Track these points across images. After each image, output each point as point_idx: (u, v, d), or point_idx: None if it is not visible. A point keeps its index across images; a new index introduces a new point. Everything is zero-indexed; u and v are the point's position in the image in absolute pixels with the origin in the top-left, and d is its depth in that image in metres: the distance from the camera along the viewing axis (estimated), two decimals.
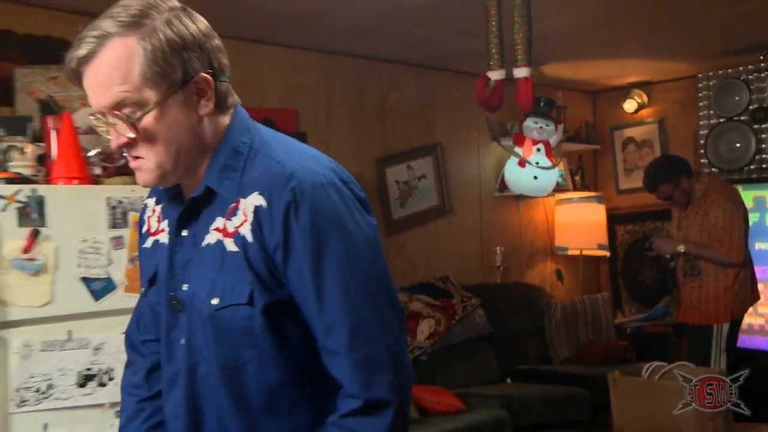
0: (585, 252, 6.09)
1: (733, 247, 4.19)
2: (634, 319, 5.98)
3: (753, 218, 4.84)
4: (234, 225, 1.31)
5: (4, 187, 2.72)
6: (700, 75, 5.65)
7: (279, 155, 1.34)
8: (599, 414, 4.57)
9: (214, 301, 1.32)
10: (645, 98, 6.15)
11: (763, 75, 5.34)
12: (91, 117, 1.31)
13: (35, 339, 2.70)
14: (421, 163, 5.33)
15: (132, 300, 1.94)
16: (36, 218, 2.73)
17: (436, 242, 5.41)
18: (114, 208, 2.90)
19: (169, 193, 1.43)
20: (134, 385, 1.58)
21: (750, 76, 5.41)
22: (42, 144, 3.03)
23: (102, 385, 2.78)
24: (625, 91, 6.20)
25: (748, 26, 4.65)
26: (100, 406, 2.78)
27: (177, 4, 1.31)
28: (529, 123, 5.15)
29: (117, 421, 1.78)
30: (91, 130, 2.80)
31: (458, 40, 4.62)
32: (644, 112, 6.22)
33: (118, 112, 1.26)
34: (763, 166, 5.38)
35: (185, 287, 1.37)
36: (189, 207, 1.37)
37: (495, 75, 3.60)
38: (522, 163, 5.08)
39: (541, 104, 5.11)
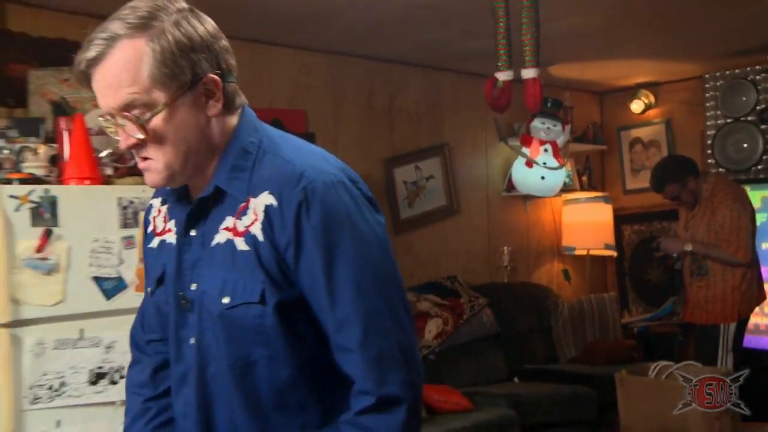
0: (592, 252, 6.07)
1: (741, 247, 4.18)
2: (641, 318, 5.97)
3: (760, 218, 4.82)
4: (244, 224, 1.31)
5: (17, 187, 2.73)
6: (707, 75, 5.63)
7: (288, 155, 1.34)
8: (606, 413, 4.56)
9: (225, 300, 1.32)
10: (652, 99, 6.14)
11: None
12: (100, 118, 1.31)
13: (48, 337, 2.71)
14: (429, 164, 5.32)
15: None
16: (48, 218, 2.74)
17: (443, 242, 5.41)
18: (125, 208, 2.91)
19: (176, 194, 1.43)
20: (140, 384, 1.58)
21: (757, 77, 5.39)
22: (54, 145, 3.04)
23: (113, 383, 2.79)
24: (632, 92, 6.18)
25: (755, 27, 4.63)
26: (112, 403, 2.79)
27: (185, 5, 1.31)
28: (537, 123, 5.16)
29: None
30: (103, 132, 2.82)
31: (466, 41, 4.62)
32: (651, 112, 6.21)
33: (127, 114, 1.26)
34: None
35: (194, 287, 1.37)
36: (197, 207, 1.37)
37: (503, 76, 3.60)
38: (529, 163, 5.09)
39: (549, 105, 5.11)
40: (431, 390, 4.21)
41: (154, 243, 1.49)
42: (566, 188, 5.84)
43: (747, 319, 4.35)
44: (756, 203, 4.83)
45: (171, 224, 1.45)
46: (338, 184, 1.32)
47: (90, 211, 2.83)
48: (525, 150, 5.14)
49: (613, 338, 5.61)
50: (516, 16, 3.46)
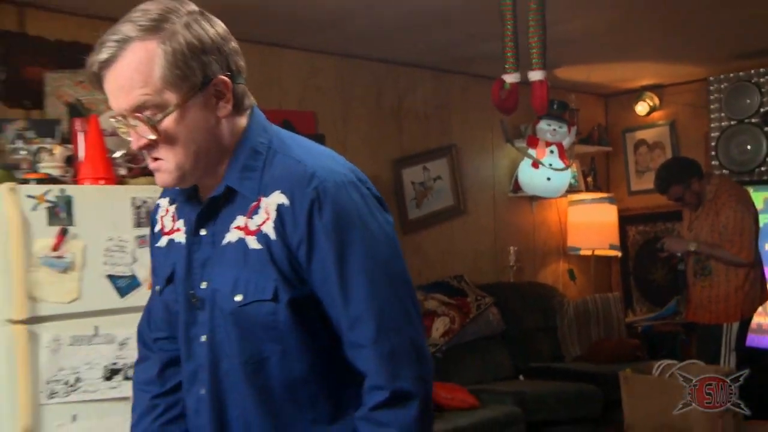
0: (597, 252, 6.06)
1: (744, 248, 4.17)
2: (645, 318, 5.95)
3: (763, 219, 4.80)
4: (256, 223, 1.32)
5: (34, 187, 2.75)
6: (711, 78, 5.62)
7: (299, 155, 1.34)
8: (611, 411, 4.54)
9: (238, 298, 1.32)
10: (657, 101, 6.12)
11: None
12: (112, 119, 1.32)
13: (64, 334, 2.73)
14: (437, 165, 5.33)
15: None
16: (64, 217, 2.75)
17: (451, 242, 5.41)
18: (138, 207, 2.92)
19: (185, 193, 1.43)
20: (147, 381, 1.57)
21: (761, 79, 5.37)
22: (70, 146, 3.06)
23: (127, 378, 2.79)
24: (637, 94, 6.17)
25: (759, 30, 4.61)
26: (126, 399, 2.80)
27: (195, 8, 1.31)
28: (543, 125, 5.16)
29: None
30: (117, 133, 2.84)
31: (473, 44, 4.62)
32: (656, 114, 6.19)
33: (139, 115, 1.26)
34: None
35: (204, 285, 1.37)
36: (208, 207, 1.37)
37: (510, 78, 3.60)
38: (535, 164, 5.08)
39: (555, 107, 5.11)
40: (438, 387, 4.21)
41: (163, 242, 1.48)
42: (572, 189, 5.83)
43: (750, 318, 4.34)
44: (759, 204, 4.81)
45: (179, 223, 1.45)
46: (349, 184, 1.32)
47: (104, 211, 2.84)
48: (531, 151, 5.14)
49: (618, 337, 5.60)
50: (523, 19, 3.46)
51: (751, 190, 4.71)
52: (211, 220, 1.38)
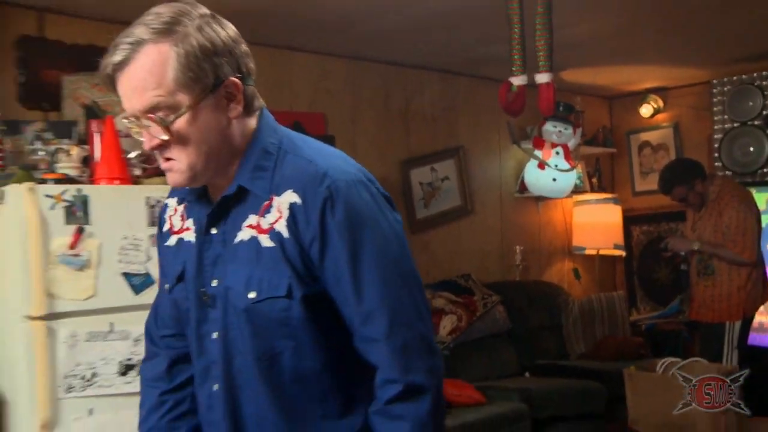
0: (602, 252, 6.04)
1: (746, 248, 4.15)
2: (649, 316, 5.93)
3: (766, 220, 4.77)
4: (269, 222, 1.32)
5: (52, 186, 2.76)
6: (714, 81, 5.59)
7: (310, 155, 1.34)
8: (615, 407, 4.53)
9: (251, 295, 1.32)
10: (661, 103, 6.10)
11: None
12: (125, 120, 1.31)
13: (80, 330, 2.74)
14: (444, 165, 5.32)
15: None
16: (81, 216, 2.76)
17: (458, 241, 5.41)
18: (153, 207, 2.92)
19: (195, 193, 1.43)
20: (155, 377, 1.57)
21: (764, 82, 5.33)
22: (86, 146, 3.08)
23: None
24: (641, 97, 6.15)
25: (761, 33, 4.59)
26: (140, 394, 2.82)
27: (207, 11, 1.31)
28: (549, 127, 5.15)
29: None
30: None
31: (480, 46, 4.61)
32: (660, 116, 6.17)
33: (152, 116, 1.26)
34: None
35: (215, 283, 1.37)
36: (219, 206, 1.37)
37: (517, 80, 3.59)
38: (541, 165, 5.08)
39: (560, 109, 5.10)
40: (446, 384, 4.15)
41: (172, 241, 1.48)
42: (577, 190, 5.82)
43: (752, 317, 4.32)
44: (761, 205, 4.78)
45: (189, 222, 1.45)
46: (359, 183, 1.33)
47: (119, 210, 2.85)
48: (537, 152, 5.13)
49: (622, 335, 5.58)
50: (530, 23, 3.46)
51: (753, 191, 4.69)
52: (222, 219, 1.38)
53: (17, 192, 2.69)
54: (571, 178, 5.23)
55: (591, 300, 5.64)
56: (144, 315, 2.76)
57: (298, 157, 1.34)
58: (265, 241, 1.32)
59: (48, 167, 2.99)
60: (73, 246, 2.73)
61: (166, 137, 1.28)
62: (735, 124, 5.45)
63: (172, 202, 1.52)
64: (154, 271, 2.90)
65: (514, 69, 3.57)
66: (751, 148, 5.37)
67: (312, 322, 1.33)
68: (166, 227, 1.52)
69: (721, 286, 4.23)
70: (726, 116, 5.51)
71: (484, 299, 5.05)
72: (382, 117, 5.01)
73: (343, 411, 1.37)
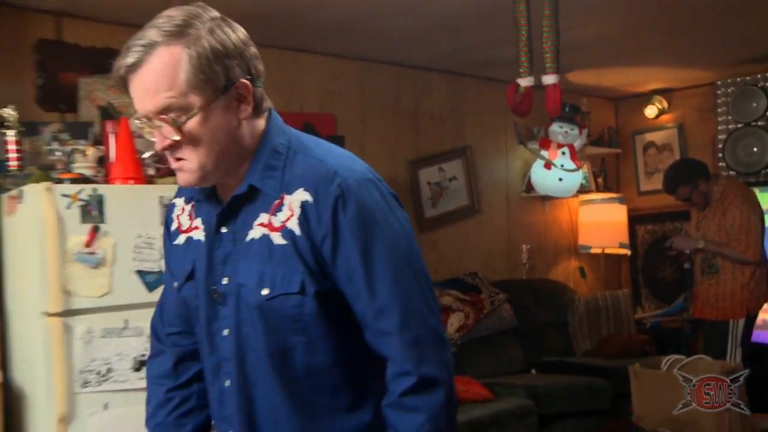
0: (607, 250, 6.03)
1: (750, 247, 4.14)
2: (654, 314, 5.92)
3: None
4: (280, 220, 1.32)
5: (68, 186, 2.77)
6: (719, 82, 5.56)
7: (320, 155, 1.35)
8: (620, 404, 4.52)
9: (264, 292, 1.32)
10: (665, 104, 6.08)
11: None
12: (137, 121, 1.31)
13: (96, 326, 2.75)
14: (452, 165, 5.32)
15: None
16: (96, 215, 2.77)
17: (465, 240, 5.40)
18: (166, 206, 2.93)
19: (204, 193, 1.42)
20: (161, 375, 1.57)
21: (767, 84, 5.34)
22: (102, 147, 3.09)
23: None
24: (646, 98, 6.13)
25: (765, 36, 4.58)
26: None
27: (217, 14, 1.31)
28: (555, 127, 5.14)
29: None
30: None
31: (488, 48, 4.60)
32: (664, 117, 6.15)
33: (164, 117, 1.26)
34: None
35: (225, 281, 1.37)
36: (229, 205, 1.37)
37: (525, 82, 3.59)
38: (548, 165, 5.07)
39: (567, 110, 5.08)
40: (454, 380, 4.21)
41: (180, 240, 1.48)
42: (583, 189, 5.80)
43: (755, 315, 4.29)
44: (765, 205, 4.76)
45: (197, 222, 1.45)
46: (369, 182, 1.33)
47: (134, 209, 2.86)
48: (543, 153, 5.12)
49: (627, 333, 5.57)
50: (537, 25, 3.45)
51: (757, 190, 4.66)
52: (232, 218, 1.38)
53: (35, 191, 2.71)
54: (576, 178, 5.22)
55: (596, 298, 5.63)
56: None
57: (308, 157, 1.35)
58: (277, 239, 1.32)
59: (65, 167, 3.01)
60: (88, 244, 2.74)
61: (177, 138, 1.28)
62: (739, 125, 5.42)
63: (180, 201, 1.52)
64: None
65: (521, 70, 3.57)
66: (755, 149, 5.34)
67: (323, 317, 1.33)
68: (174, 226, 1.52)
69: (725, 285, 4.22)
70: (730, 117, 5.48)
71: (491, 297, 5.04)
72: (390, 118, 5.01)
73: (354, 405, 1.37)
